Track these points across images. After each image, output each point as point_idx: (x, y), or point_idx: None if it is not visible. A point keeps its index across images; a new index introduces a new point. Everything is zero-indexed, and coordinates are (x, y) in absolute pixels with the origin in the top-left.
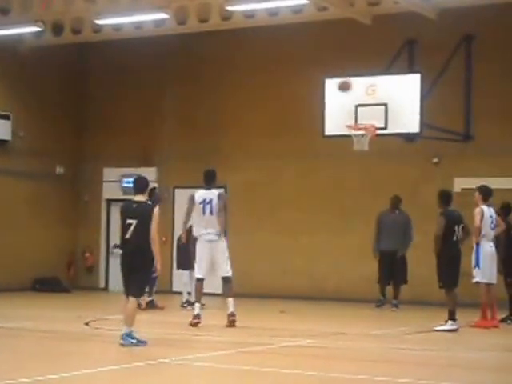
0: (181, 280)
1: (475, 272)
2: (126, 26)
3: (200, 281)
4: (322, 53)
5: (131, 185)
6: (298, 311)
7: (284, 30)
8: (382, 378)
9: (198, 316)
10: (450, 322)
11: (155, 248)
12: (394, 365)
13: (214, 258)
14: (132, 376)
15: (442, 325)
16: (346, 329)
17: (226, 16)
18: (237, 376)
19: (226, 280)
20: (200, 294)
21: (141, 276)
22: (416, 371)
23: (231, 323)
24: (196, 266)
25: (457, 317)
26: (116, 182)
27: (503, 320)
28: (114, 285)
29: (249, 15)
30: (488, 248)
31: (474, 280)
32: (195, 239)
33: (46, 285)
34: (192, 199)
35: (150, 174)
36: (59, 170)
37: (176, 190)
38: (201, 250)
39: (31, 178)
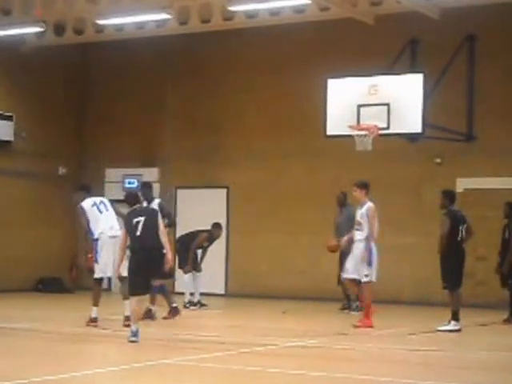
0: (183, 280)
1: (368, 270)
2: (127, 26)
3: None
4: (324, 53)
5: (133, 185)
6: (300, 311)
7: (286, 30)
8: (385, 378)
9: (95, 319)
10: (453, 322)
11: (165, 240)
12: (397, 365)
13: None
14: (134, 377)
15: (445, 325)
16: (348, 329)
17: (228, 16)
18: (239, 377)
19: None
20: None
21: (162, 271)
22: (419, 372)
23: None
24: (100, 267)
25: (460, 317)
26: (118, 182)
27: (507, 321)
28: (116, 286)
29: (251, 15)
30: (375, 247)
31: (369, 279)
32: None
33: (49, 285)
34: (83, 209)
35: (152, 174)
36: (61, 170)
37: (178, 191)
38: (106, 247)
39: (34, 179)
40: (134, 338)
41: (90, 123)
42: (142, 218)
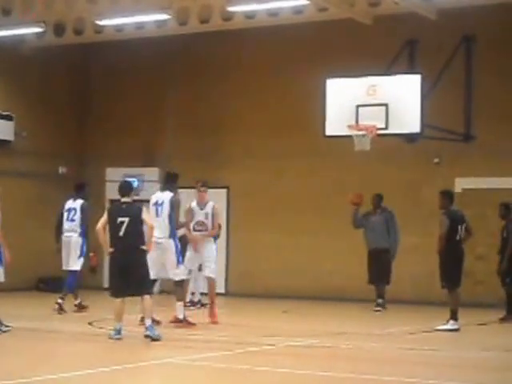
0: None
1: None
2: (127, 26)
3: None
4: (322, 53)
5: (134, 185)
6: (300, 311)
7: (285, 31)
8: (385, 377)
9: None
10: (451, 321)
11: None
12: (396, 364)
13: (162, 260)
14: (134, 376)
15: (443, 324)
16: (348, 328)
17: (227, 17)
18: (239, 376)
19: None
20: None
21: (143, 271)
22: (418, 371)
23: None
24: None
25: (459, 316)
26: (119, 182)
27: (503, 319)
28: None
29: (250, 16)
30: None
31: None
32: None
33: (50, 284)
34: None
35: (152, 173)
36: (62, 169)
37: (178, 191)
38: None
39: (34, 178)
40: (117, 336)
41: (90, 123)
42: (126, 219)
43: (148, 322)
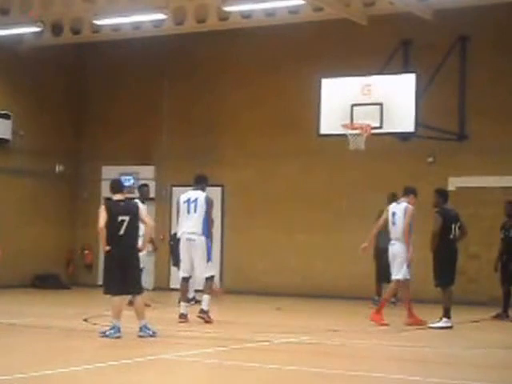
0: (178, 277)
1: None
2: (124, 26)
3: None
4: (318, 53)
5: (129, 183)
6: (293, 308)
7: (280, 31)
8: (377, 374)
9: (183, 315)
10: (444, 319)
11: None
12: (390, 361)
13: (192, 257)
14: (129, 372)
15: (436, 322)
16: (341, 325)
17: (224, 16)
18: (233, 372)
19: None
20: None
21: (138, 272)
22: (411, 368)
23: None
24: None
25: (451, 314)
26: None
27: (496, 317)
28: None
29: (246, 16)
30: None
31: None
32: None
33: (46, 281)
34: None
35: (148, 172)
36: (59, 168)
37: (173, 189)
38: (183, 248)
39: (31, 177)
40: (117, 334)
41: (86, 121)
42: (126, 218)
43: (141, 322)
